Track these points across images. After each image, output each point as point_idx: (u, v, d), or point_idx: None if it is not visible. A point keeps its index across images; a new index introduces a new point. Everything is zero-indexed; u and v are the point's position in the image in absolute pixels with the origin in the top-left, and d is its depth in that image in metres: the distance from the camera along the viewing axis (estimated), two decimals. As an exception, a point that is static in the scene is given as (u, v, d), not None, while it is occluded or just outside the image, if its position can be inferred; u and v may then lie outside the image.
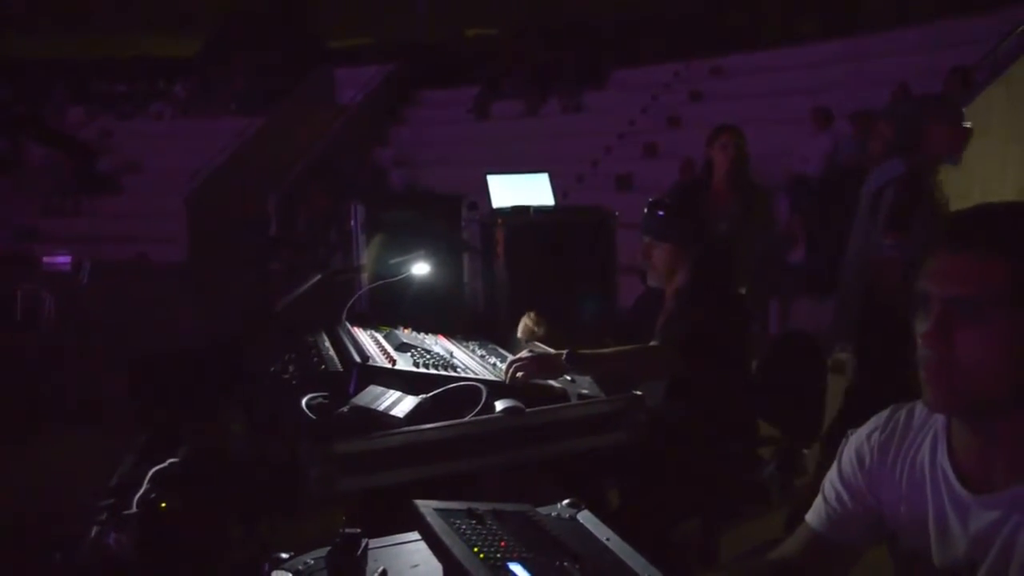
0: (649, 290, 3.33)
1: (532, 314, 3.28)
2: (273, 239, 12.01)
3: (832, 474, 1.74)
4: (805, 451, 3.94)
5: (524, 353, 2.77)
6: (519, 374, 2.60)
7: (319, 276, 3.12)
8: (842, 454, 1.73)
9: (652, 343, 2.96)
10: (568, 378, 2.77)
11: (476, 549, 1.47)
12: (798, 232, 8.95)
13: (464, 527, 1.55)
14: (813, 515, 1.74)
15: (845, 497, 1.70)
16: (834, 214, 4.61)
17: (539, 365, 2.66)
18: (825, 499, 1.73)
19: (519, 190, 5.21)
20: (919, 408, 1.63)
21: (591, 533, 1.68)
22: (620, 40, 18.19)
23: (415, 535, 1.66)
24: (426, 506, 1.61)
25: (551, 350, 2.87)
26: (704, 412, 2.97)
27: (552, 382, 2.66)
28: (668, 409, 2.99)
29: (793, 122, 11.05)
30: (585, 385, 2.73)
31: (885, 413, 1.69)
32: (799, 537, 1.76)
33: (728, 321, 3.01)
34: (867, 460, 1.67)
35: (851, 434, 1.73)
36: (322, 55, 20.91)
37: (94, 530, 1.99)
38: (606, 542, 1.63)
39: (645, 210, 3.22)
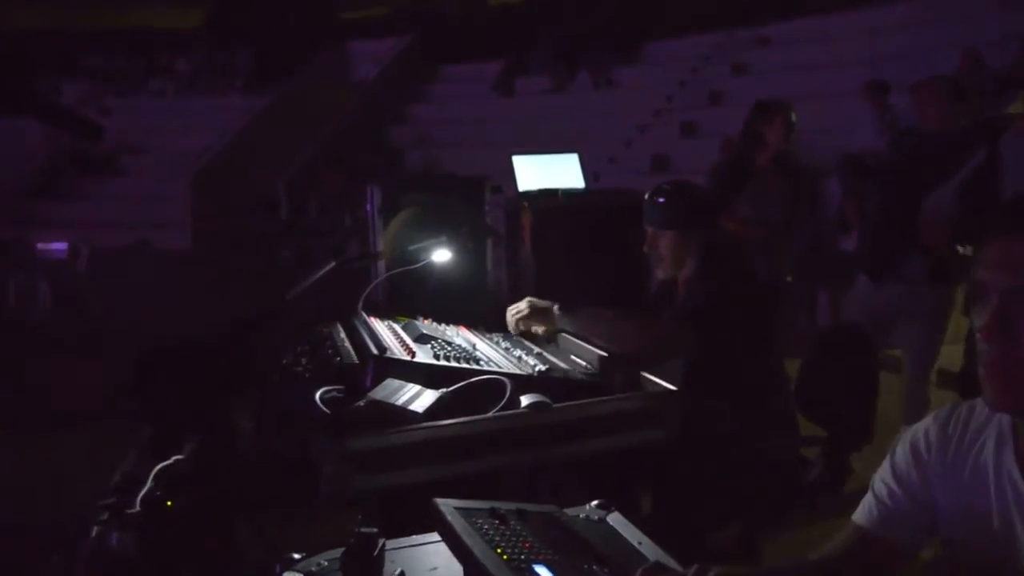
0: (666, 281, 3.36)
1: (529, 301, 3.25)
2: (284, 224, 12.06)
3: (884, 469, 1.75)
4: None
5: (522, 304, 2.98)
6: (521, 326, 2.88)
7: (333, 263, 3.15)
8: (896, 450, 1.75)
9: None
10: (583, 362, 2.85)
11: (499, 550, 1.49)
12: (851, 217, 8.86)
13: (486, 527, 1.57)
14: (861, 512, 1.76)
15: (898, 493, 1.71)
16: (892, 196, 4.57)
17: (532, 312, 2.93)
18: (875, 495, 1.74)
19: (547, 172, 5.23)
20: (980, 405, 1.64)
21: (621, 536, 1.71)
22: (656, 9, 18.06)
23: (434, 536, 1.68)
24: (446, 505, 1.63)
25: (545, 302, 3.05)
26: (727, 402, 3.00)
27: (580, 372, 2.69)
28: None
29: (847, 96, 10.95)
30: (616, 380, 2.75)
31: (945, 410, 1.71)
32: (845, 536, 1.77)
33: (743, 301, 3.04)
34: (924, 456, 1.69)
35: (904, 431, 1.75)
36: (335, 28, 20.92)
37: (95, 530, 2.01)
38: (637, 546, 1.65)
39: (646, 197, 3.25)
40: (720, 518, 2.98)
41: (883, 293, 4.64)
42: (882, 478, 1.75)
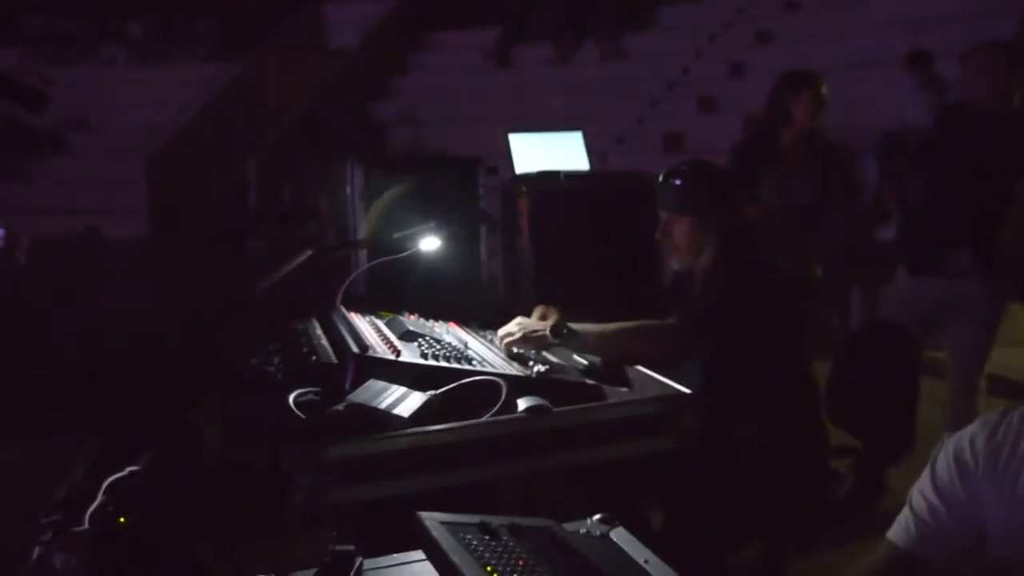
0: (681, 273, 3.38)
1: (541, 309, 3.27)
2: (252, 210, 12.07)
3: (923, 482, 1.75)
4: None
5: (512, 326, 2.97)
6: (514, 350, 2.87)
7: (309, 252, 3.16)
8: (937, 461, 1.74)
9: (667, 320, 3.02)
10: (584, 360, 2.90)
11: (489, 568, 1.51)
12: (889, 203, 8.83)
13: (476, 543, 1.59)
14: (897, 531, 1.76)
15: (939, 509, 1.71)
16: (937, 180, 4.56)
17: (523, 337, 2.91)
18: (913, 512, 1.74)
19: (547, 152, 5.24)
20: None
21: (626, 554, 1.72)
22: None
23: (418, 554, 1.70)
24: (431, 519, 1.65)
25: (538, 323, 3.03)
26: (748, 408, 3.01)
27: (586, 379, 2.71)
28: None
29: (885, 66, 10.93)
30: (624, 382, 2.76)
31: (994, 416, 1.71)
32: (879, 556, 1.78)
33: (766, 297, 3.06)
34: (971, 467, 1.68)
35: (947, 439, 1.75)
36: (309, -11, 20.89)
37: (36, 551, 2.02)
38: (644, 565, 1.67)
39: (660, 179, 3.26)
40: (740, 537, 2.99)
41: (925, 288, 4.64)
42: (921, 492, 1.75)
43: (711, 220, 3.18)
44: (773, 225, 5.04)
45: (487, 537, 1.62)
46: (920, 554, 1.73)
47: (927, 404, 3.25)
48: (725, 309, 2.98)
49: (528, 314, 3.15)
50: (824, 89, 5.29)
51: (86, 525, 2.02)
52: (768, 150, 5.31)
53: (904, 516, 1.76)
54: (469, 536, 1.60)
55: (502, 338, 2.95)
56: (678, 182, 3.22)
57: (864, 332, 3.55)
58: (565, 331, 2.91)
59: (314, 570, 1.66)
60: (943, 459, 1.73)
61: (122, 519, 2.03)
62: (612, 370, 2.86)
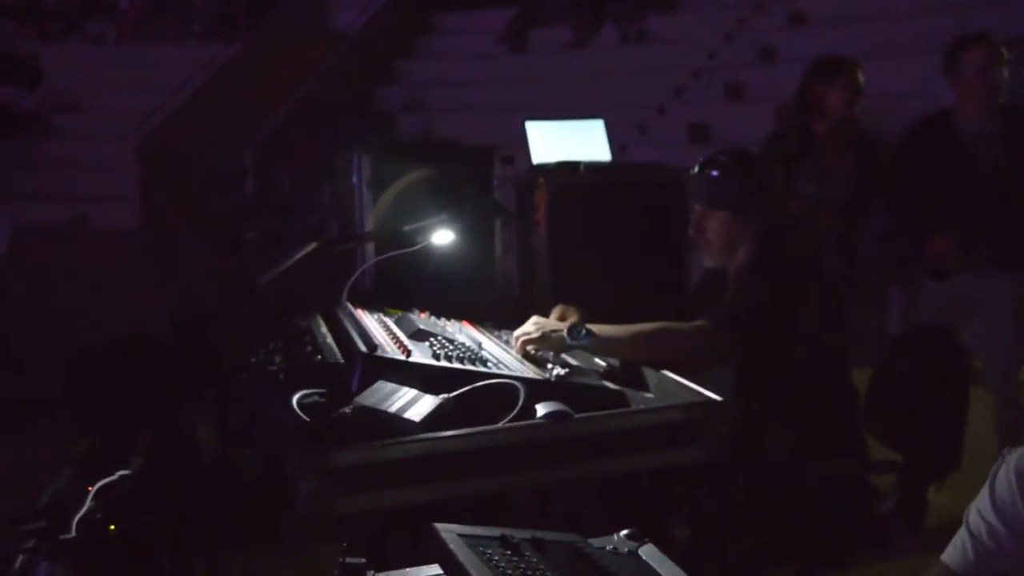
0: (713, 271, 3.36)
1: (561, 309, 3.26)
2: (250, 201, 12.09)
3: (982, 501, 1.72)
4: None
5: (529, 325, 2.95)
6: (529, 349, 2.86)
7: (313, 245, 3.15)
8: (997, 478, 1.72)
9: (694, 322, 3.00)
10: (604, 363, 2.90)
11: (511, 585, 1.49)
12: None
13: (496, 558, 1.58)
14: (953, 553, 1.73)
15: (999, 531, 1.68)
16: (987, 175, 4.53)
17: (541, 337, 2.89)
18: (970, 532, 1.71)
19: (566, 141, 5.24)
20: None
21: (656, 573, 1.71)
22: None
23: (433, 568, 1.69)
24: (449, 531, 1.63)
25: (556, 323, 3.02)
26: (783, 418, 3.00)
27: (609, 384, 2.70)
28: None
29: (929, 52, 10.85)
30: (649, 388, 2.75)
31: None
32: None
33: (805, 299, 3.04)
34: None
35: (1008, 454, 1.73)
36: (312, -35, 20.91)
37: (19, 559, 2.02)
38: (674, 584, 1.66)
39: (695, 170, 3.24)
40: (772, 555, 2.97)
41: (948, 287, 4.62)
42: (980, 511, 1.72)
43: (749, 216, 3.15)
44: (812, 223, 5.02)
45: (508, 552, 1.61)
46: None
47: (979, 419, 3.22)
48: (759, 312, 2.96)
49: (546, 314, 3.13)
50: (860, 76, 5.25)
51: (73, 533, 2.01)
52: (802, 143, 5.27)
53: (960, 537, 1.73)
54: (489, 551, 1.59)
55: (518, 338, 2.93)
56: (715, 173, 3.19)
57: (909, 334, 3.51)
58: (584, 332, 2.89)
59: (320, 584, 1.65)
60: (1004, 476, 1.70)
61: (112, 527, 2.02)
62: (636, 374, 2.85)
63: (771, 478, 2.93)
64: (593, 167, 5.10)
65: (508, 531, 1.67)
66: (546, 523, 2.36)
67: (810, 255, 3.35)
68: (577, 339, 2.88)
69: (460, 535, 1.62)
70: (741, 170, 3.20)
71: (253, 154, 13.53)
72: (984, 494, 1.71)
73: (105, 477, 2.19)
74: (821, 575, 3.01)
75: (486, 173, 4.57)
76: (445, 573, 1.60)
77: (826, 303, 3.16)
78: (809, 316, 3.03)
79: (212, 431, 2.54)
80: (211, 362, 2.78)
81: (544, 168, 5.03)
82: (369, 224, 4.23)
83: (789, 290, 3.02)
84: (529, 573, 1.55)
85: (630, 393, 2.69)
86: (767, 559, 2.97)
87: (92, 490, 2.14)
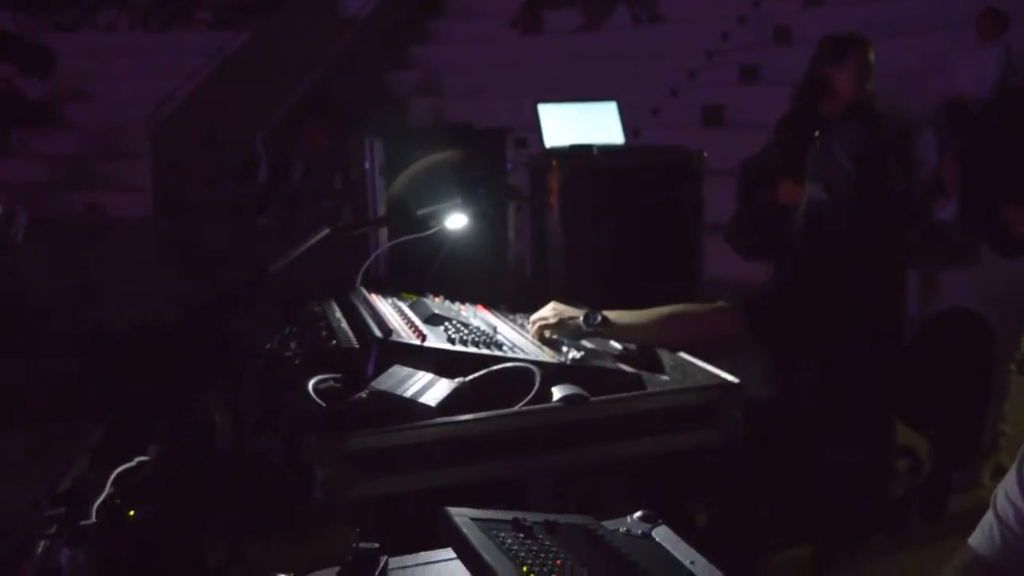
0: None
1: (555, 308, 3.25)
2: (262, 188, 12.11)
3: (1010, 483, 1.68)
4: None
5: (547, 310, 2.97)
6: (547, 334, 2.89)
7: (327, 230, 3.16)
8: None
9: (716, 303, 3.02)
10: (620, 346, 2.91)
11: (525, 569, 1.50)
12: (950, 180, 8.61)
13: (510, 541, 1.58)
14: (980, 538, 1.68)
15: None
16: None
17: (559, 323, 2.91)
18: (998, 516, 1.66)
19: (579, 124, 5.24)
20: None
21: (669, 554, 1.71)
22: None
23: (447, 552, 1.69)
24: (462, 515, 1.64)
25: (574, 309, 3.01)
26: (802, 398, 3.00)
27: (625, 367, 2.71)
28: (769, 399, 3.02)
29: (950, 29, 10.78)
30: (666, 371, 2.75)
31: None
32: (960, 565, 1.72)
33: (845, 275, 3.05)
34: None
35: None
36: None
37: (40, 546, 2.03)
38: (689, 566, 1.66)
39: None
40: (791, 538, 2.98)
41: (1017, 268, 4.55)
42: (1007, 494, 1.67)
43: None
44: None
45: (521, 535, 1.61)
46: (1004, 565, 1.67)
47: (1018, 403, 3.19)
48: (788, 297, 2.96)
49: (560, 299, 3.14)
50: (870, 53, 5.17)
51: (93, 519, 2.02)
52: (814, 122, 5.22)
53: (988, 521, 1.69)
54: (503, 534, 1.60)
55: (535, 323, 2.95)
56: None
57: (936, 317, 3.49)
58: (599, 319, 2.90)
59: (335, 569, 1.65)
60: None
61: (132, 513, 2.03)
62: (652, 357, 2.86)
63: (790, 459, 2.93)
64: (606, 150, 5.10)
65: (521, 514, 1.67)
66: (562, 507, 2.37)
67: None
68: (593, 326, 2.90)
69: (473, 519, 1.63)
70: None
71: (265, 141, 13.53)
72: (1012, 476, 1.66)
73: (123, 463, 2.20)
74: (839, 558, 3.01)
75: (499, 157, 4.55)
76: (458, 556, 1.60)
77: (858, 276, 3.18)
78: (840, 296, 3.05)
79: (229, 417, 2.56)
80: (228, 348, 2.81)
81: (557, 151, 5.03)
82: (382, 209, 4.22)
83: (823, 266, 3.05)
84: (542, 555, 1.55)
85: (646, 376, 2.70)
86: (784, 541, 2.97)
87: (111, 476, 2.15)
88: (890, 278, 3.30)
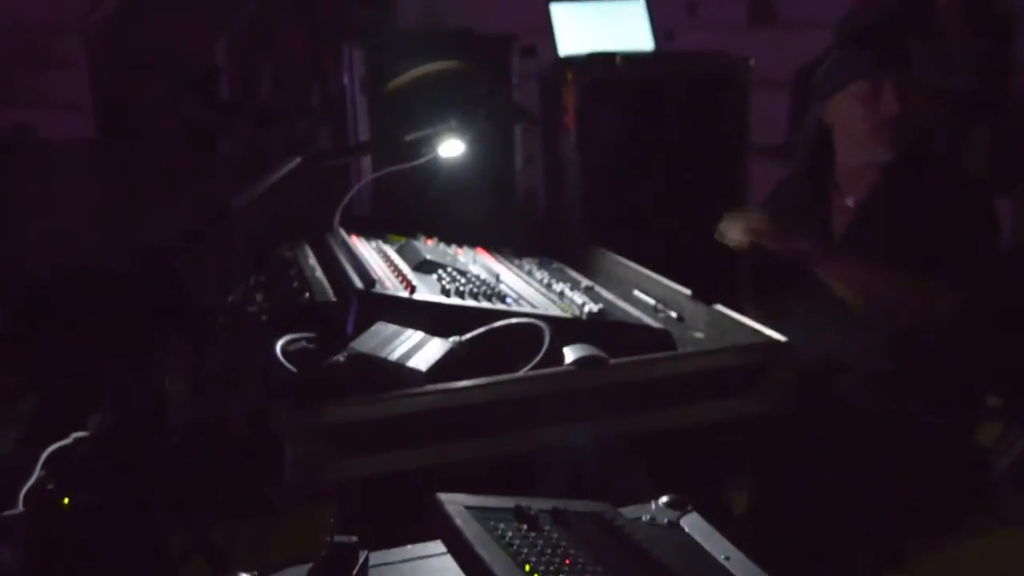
0: (793, 175, 3.36)
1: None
2: (224, 105, 12.05)
3: None
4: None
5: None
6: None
7: (298, 159, 3.15)
8: None
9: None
10: (649, 299, 2.92)
11: (528, 568, 1.50)
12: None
13: (511, 534, 1.59)
14: None
15: None
16: None
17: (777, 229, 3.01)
18: None
19: (599, 27, 5.21)
20: None
21: (701, 548, 1.72)
22: None
23: (437, 546, 1.71)
24: (454, 503, 1.65)
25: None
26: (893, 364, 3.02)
27: (650, 320, 2.72)
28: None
29: None
30: (700, 327, 2.76)
31: None
32: None
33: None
34: None
35: None
36: None
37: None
38: (724, 562, 1.66)
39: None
40: (851, 526, 2.97)
41: None
42: None
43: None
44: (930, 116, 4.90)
45: (525, 526, 1.61)
46: None
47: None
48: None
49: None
50: None
51: (20, 507, 2.04)
52: (919, 23, 5.13)
53: None
54: (502, 525, 1.60)
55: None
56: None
57: (1012, 256, 3.46)
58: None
59: (308, 566, 1.66)
60: None
61: (66, 500, 2.04)
62: (684, 309, 2.85)
63: (850, 432, 2.94)
64: (632, 58, 5.07)
65: (525, 500, 1.68)
66: (576, 491, 2.39)
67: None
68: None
69: (468, 507, 1.63)
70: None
71: (227, 49, 13.45)
72: None
73: (57, 440, 2.21)
74: (910, 551, 3.02)
75: (503, 69, 4.52)
76: (449, 551, 1.61)
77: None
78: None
79: (183, 384, 2.57)
80: (181, 301, 2.81)
81: (573, 61, 5.00)
82: (364, 134, 4.21)
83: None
84: (548, 551, 1.55)
85: (677, 333, 2.70)
86: (840, 531, 2.98)
87: (43, 456, 2.16)
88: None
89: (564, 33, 5.09)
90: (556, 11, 5.14)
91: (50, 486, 2.07)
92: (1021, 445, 3.13)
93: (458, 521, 1.59)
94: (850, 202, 3.22)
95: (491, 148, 3.84)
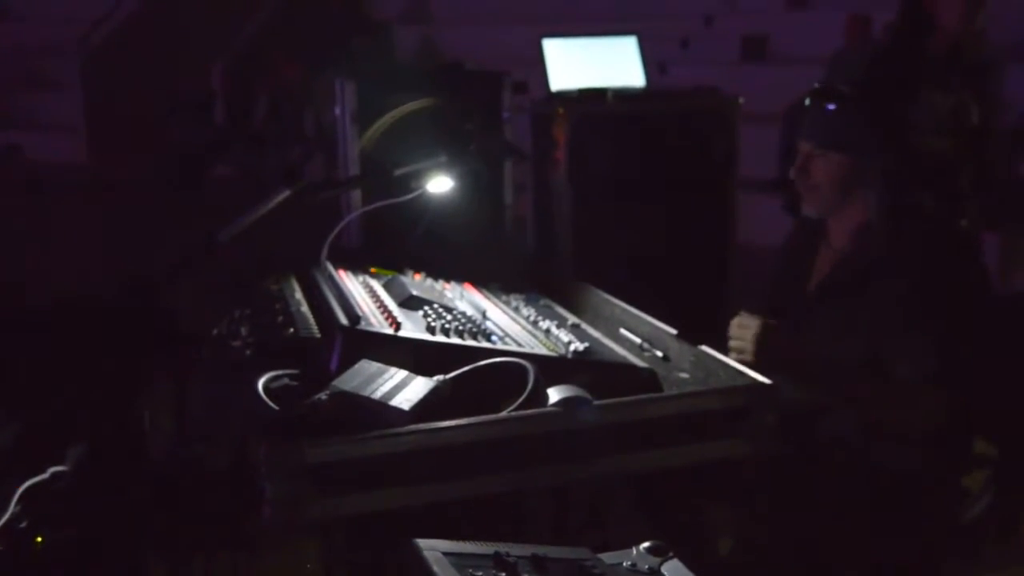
0: (803, 225, 3.34)
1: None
2: (218, 132, 12.08)
3: None
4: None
5: (748, 318, 3.00)
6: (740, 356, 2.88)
7: (287, 192, 3.14)
8: None
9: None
10: (636, 337, 2.91)
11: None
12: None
13: (487, 582, 1.58)
14: None
15: None
16: None
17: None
18: None
19: (591, 63, 5.22)
20: None
21: (684, 596, 1.71)
22: None
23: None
24: (432, 549, 1.63)
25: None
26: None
27: (636, 360, 2.70)
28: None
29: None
30: (686, 367, 2.75)
31: None
32: None
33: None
34: None
35: None
36: None
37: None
38: (708, 611, 1.66)
39: (806, 102, 3.21)
40: (835, 569, 2.97)
41: None
42: None
43: (872, 160, 3.12)
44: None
45: (503, 574, 1.60)
46: None
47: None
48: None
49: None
50: None
51: (-6, 545, 2.02)
52: (911, 70, 5.12)
53: None
54: (480, 573, 1.59)
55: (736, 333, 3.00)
56: (832, 107, 3.16)
57: (1008, 301, 3.45)
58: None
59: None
60: None
61: (39, 538, 2.02)
62: (669, 350, 2.84)
63: (834, 475, 2.93)
64: (624, 94, 5.08)
65: (504, 547, 1.66)
66: (562, 532, 2.37)
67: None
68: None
69: (444, 552, 1.62)
70: (872, 104, 3.17)
71: (222, 74, 13.49)
72: None
73: (33, 475, 2.19)
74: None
75: (495, 102, 4.52)
76: (425, 601, 1.60)
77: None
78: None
79: (164, 419, 2.55)
80: (165, 334, 2.79)
81: (565, 96, 5.01)
82: (354, 167, 4.21)
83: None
84: (526, 600, 1.54)
85: (662, 372, 2.69)
86: (825, 574, 2.97)
87: (17, 492, 2.14)
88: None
89: (556, 68, 5.10)
90: (548, 46, 5.15)
91: (24, 524, 2.04)
92: (993, 489, 3.14)
93: (436, 568, 1.58)
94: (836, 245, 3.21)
95: (481, 183, 3.84)
